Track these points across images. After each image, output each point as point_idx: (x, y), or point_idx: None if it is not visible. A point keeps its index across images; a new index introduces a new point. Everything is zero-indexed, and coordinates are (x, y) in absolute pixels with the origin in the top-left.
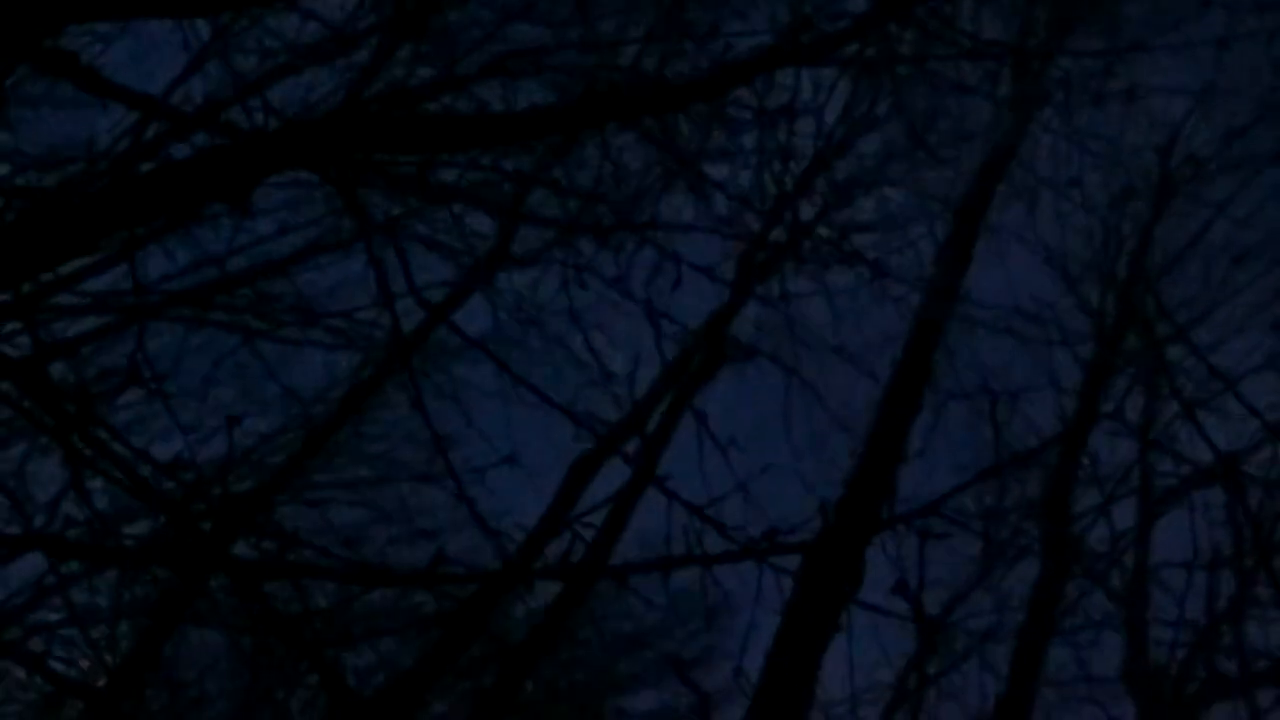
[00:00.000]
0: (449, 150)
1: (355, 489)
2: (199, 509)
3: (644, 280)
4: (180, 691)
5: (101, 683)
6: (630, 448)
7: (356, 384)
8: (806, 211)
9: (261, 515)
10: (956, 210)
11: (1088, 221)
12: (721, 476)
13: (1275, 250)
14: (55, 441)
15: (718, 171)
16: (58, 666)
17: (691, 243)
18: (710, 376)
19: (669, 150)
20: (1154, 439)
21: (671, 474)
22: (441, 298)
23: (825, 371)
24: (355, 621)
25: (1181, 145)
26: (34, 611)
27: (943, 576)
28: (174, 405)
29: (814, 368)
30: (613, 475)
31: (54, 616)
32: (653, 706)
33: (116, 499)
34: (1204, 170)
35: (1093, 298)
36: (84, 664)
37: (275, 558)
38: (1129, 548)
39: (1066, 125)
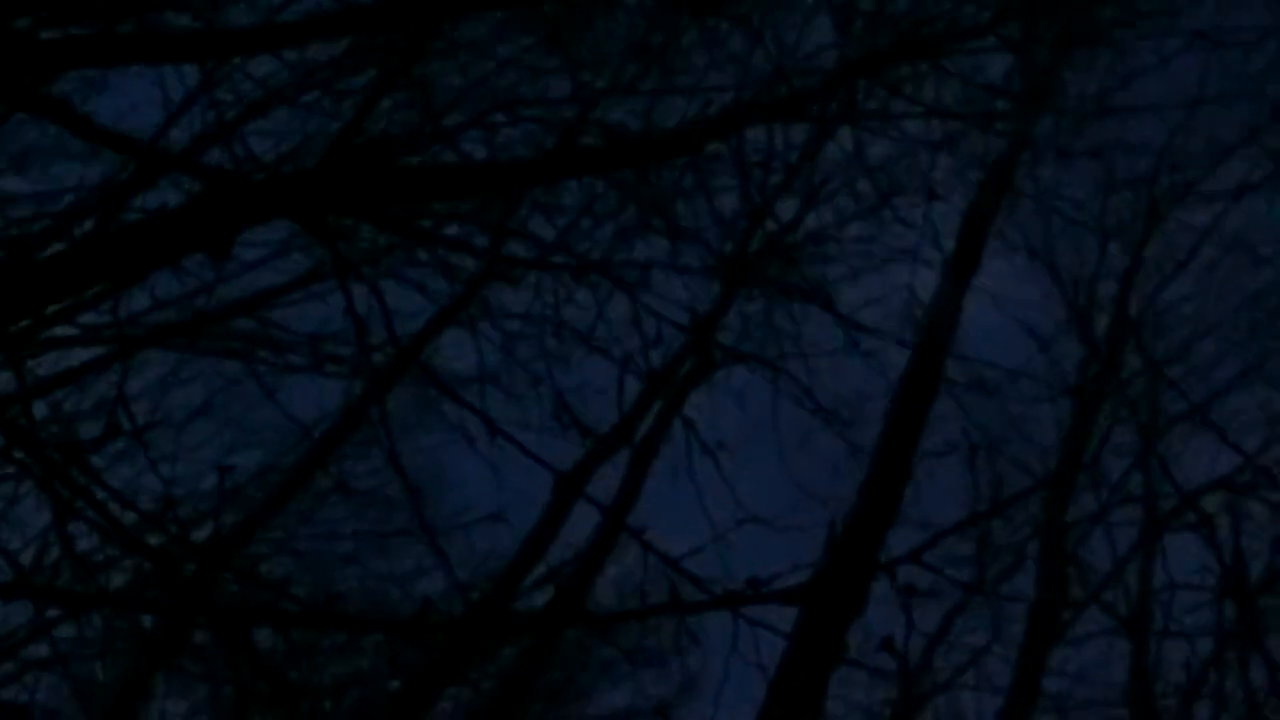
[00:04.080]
0: (431, 200)
1: (338, 537)
2: (183, 556)
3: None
4: None
5: None
6: (619, 459)
7: (331, 427)
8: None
9: (245, 562)
10: (946, 263)
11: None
12: (714, 485)
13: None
14: (40, 488)
15: (691, 209)
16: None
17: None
18: (698, 383)
19: (644, 202)
20: (1152, 462)
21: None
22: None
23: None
24: (335, 667)
25: (1166, 166)
26: (23, 649)
27: (923, 622)
28: (163, 437)
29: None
30: (602, 489)
31: (41, 653)
32: None
33: (102, 539)
34: (1188, 191)
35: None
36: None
37: (261, 605)
38: (1126, 566)
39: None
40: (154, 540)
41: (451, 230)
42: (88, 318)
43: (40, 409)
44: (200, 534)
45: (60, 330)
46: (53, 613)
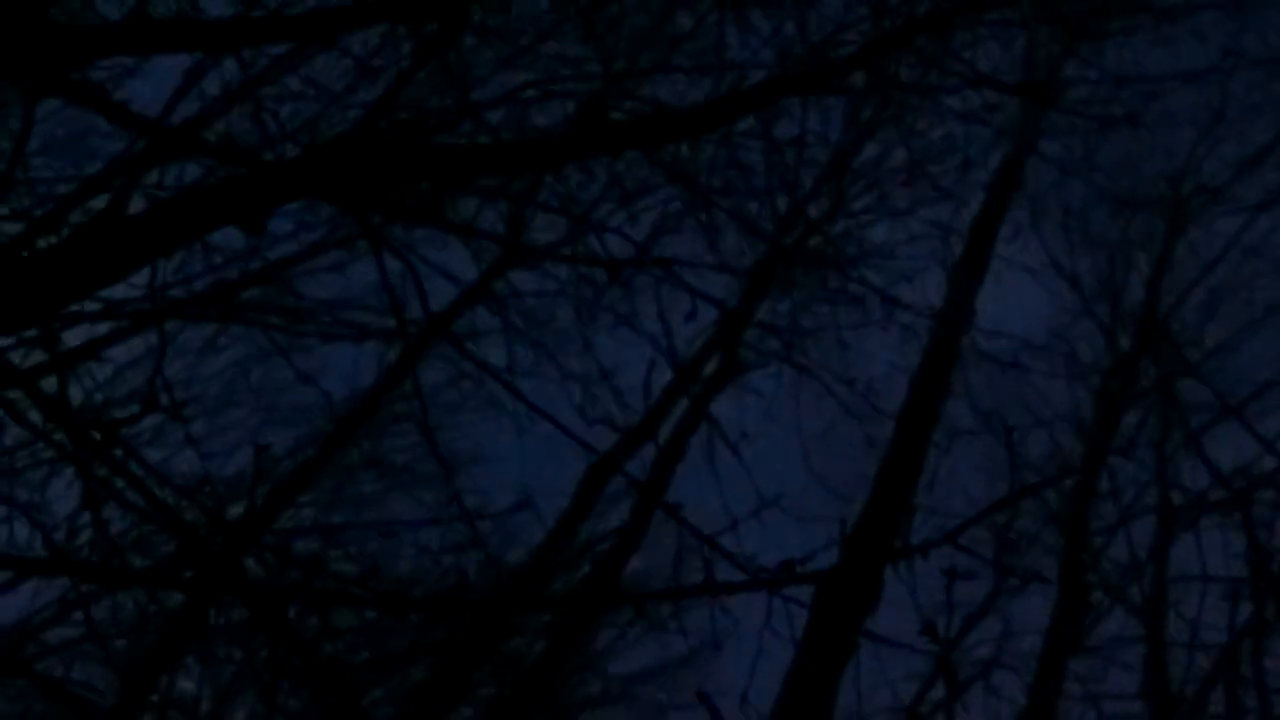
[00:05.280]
0: (463, 178)
1: (372, 511)
2: (216, 534)
3: (652, 309)
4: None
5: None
6: (644, 453)
7: (364, 396)
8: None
9: (278, 538)
10: (971, 226)
11: (1098, 247)
12: (738, 479)
13: None
14: (74, 466)
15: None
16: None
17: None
18: (724, 385)
19: (679, 177)
20: (1171, 456)
21: (688, 483)
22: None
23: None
24: (369, 645)
25: (1194, 172)
26: (56, 627)
27: (956, 599)
28: (196, 419)
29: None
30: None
31: (73, 633)
32: None
33: (137, 517)
34: (1217, 198)
35: (1104, 318)
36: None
37: (295, 584)
38: (1147, 565)
39: (1073, 150)
40: (189, 518)
41: (472, 213)
42: (115, 291)
43: (75, 396)
44: (235, 512)
45: (88, 306)
46: (86, 589)
